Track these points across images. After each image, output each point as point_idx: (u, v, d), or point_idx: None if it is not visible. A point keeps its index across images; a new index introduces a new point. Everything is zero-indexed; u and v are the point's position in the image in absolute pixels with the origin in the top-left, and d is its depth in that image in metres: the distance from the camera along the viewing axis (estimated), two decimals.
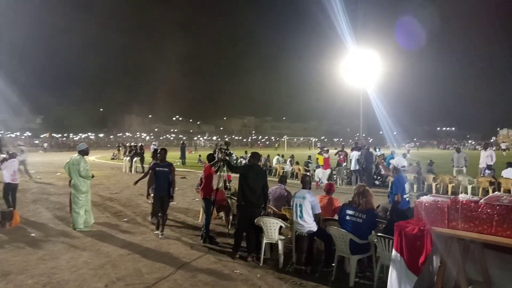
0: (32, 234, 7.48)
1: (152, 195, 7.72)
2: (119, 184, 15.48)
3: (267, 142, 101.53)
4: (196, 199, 11.44)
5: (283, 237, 5.96)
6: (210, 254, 6.33)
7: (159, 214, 7.45)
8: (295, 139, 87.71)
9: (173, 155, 31.44)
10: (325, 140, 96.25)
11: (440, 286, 3.67)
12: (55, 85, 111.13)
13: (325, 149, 16.49)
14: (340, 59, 30.07)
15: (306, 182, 5.94)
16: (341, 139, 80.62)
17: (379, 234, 4.93)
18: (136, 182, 8.65)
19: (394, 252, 4.19)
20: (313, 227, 5.63)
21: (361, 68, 27.60)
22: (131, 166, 21.09)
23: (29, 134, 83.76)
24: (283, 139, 78.05)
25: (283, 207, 6.88)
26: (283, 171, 18.46)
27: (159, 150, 8.16)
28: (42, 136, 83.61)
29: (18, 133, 77.83)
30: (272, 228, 5.85)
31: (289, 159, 19.91)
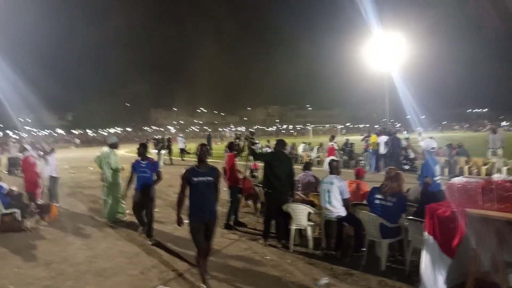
0: (70, 226, 7.78)
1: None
2: None
3: (292, 131, 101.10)
4: (224, 189, 11.55)
5: (312, 223, 5.97)
6: (240, 242, 6.43)
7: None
8: (320, 127, 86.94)
9: None
10: (350, 126, 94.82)
11: (475, 268, 3.60)
12: (85, 83, 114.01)
13: (331, 137, 16.30)
14: (364, 43, 29.43)
15: (334, 168, 5.90)
16: (367, 125, 79.22)
17: (410, 217, 4.86)
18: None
19: (426, 235, 4.12)
20: (342, 212, 5.60)
21: (386, 51, 26.94)
22: (159, 159, 21.49)
23: (61, 131, 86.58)
24: (308, 127, 77.46)
25: (311, 193, 6.87)
26: (309, 159, 18.37)
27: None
28: (73, 132, 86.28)
29: (48, 131, 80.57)
30: (300, 214, 5.86)
31: (316, 147, 19.78)
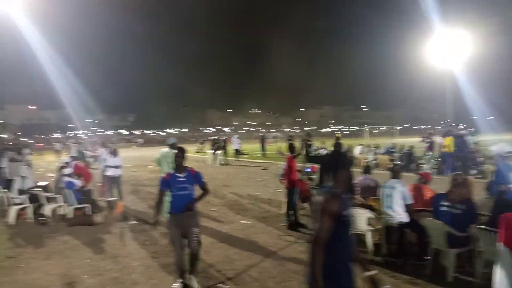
0: (133, 222, 8.21)
1: None
2: (205, 176, 16.11)
3: (347, 132, 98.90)
4: (279, 190, 11.60)
5: (371, 228, 5.79)
6: (297, 244, 6.39)
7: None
8: (376, 129, 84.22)
9: (253, 147, 32.21)
10: (409, 127, 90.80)
11: None
12: (145, 85, 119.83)
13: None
14: (424, 39, 27.97)
15: (396, 172, 5.68)
16: (428, 126, 75.34)
17: (482, 226, 4.54)
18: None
19: (500, 246, 3.83)
20: (404, 218, 5.37)
21: (448, 48, 25.41)
22: (215, 159, 22.04)
23: (124, 131, 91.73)
24: (363, 128, 75.33)
25: (370, 198, 6.67)
26: (367, 161, 17.85)
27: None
28: (134, 132, 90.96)
29: (111, 131, 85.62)
30: (359, 219, 5.71)
31: (373, 149, 19.19)
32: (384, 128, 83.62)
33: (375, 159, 17.88)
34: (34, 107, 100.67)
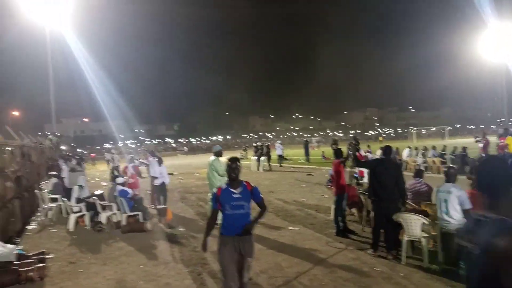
0: (182, 229, 8.41)
1: None
2: (250, 182, 16.36)
3: (393, 134, 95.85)
4: (325, 196, 11.44)
5: (426, 234, 5.55)
6: (347, 251, 6.26)
7: None
8: (424, 130, 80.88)
9: (297, 153, 32.05)
10: (459, 128, 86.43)
11: None
12: (188, 94, 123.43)
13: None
14: (476, 34, 26.60)
15: (451, 175, 5.42)
16: (481, 126, 71.21)
17: None
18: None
19: None
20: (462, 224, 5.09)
21: (502, 43, 24.00)
22: (258, 165, 22.14)
23: (170, 140, 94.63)
24: (411, 130, 72.66)
25: (423, 203, 6.40)
26: (415, 164, 17.18)
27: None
28: (179, 140, 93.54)
29: (157, 140, 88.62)
30: (413, 225, 5.49)
31: (421, 151, 18.44)
32: (433, 129, 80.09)
33: (424, 162, 17.18)
34: (87, 120, 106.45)
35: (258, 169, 21.84)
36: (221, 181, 8.62)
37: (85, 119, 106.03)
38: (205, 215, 9.46)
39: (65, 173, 11.71)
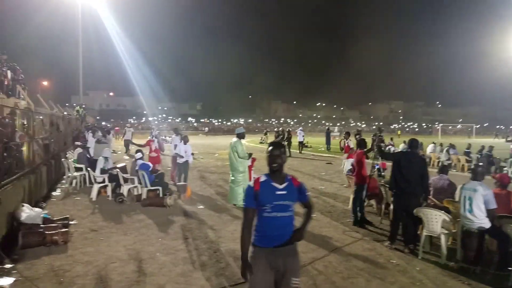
0: (201, 206, 8.55)
1: None
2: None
3: (417, 129, 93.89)
4: (344, 185, 11.38)
5: (446, 231, 5.47)
6: (363, 241, 6.25)
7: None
8: (450, 126, 78.82)
9: (318, 141, 31.85)
10: (488, 127, 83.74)
11: None
12: (212, 75, 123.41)
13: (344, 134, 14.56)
14: (510, 32, 25.48)
15: (479, 173, 5.28)
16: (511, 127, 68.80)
17: None
18: None
19: None
20: (485, 223, 5.00)
21: None
22: None
23: (192, 119, 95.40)
24: (436, 126, 71.00)
25: (445, 199, 6.29)
26: (439, 161, 16.85)
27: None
28: (201, 121, 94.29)
29: (180, 119, 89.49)
30: (433, 220, 5.42)
31: (446, 148, 18.01)
32: (459, 126, 77.98)
33: (448, 159, 16.79)
34: (112, 94, 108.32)
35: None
36: (242, 163, 8.70)
37: (110, 93, 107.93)
38: (224, 195, 9.58)
39: (90, 143, 12.02)
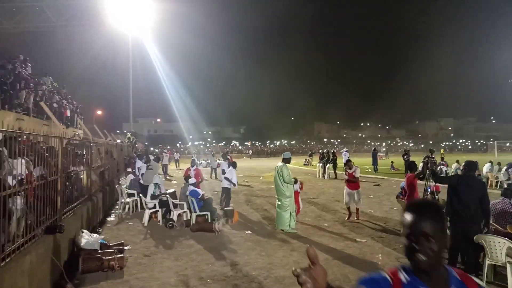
0: (248, 232, 8.57)
1: None
2: (314, 190, 16.18)
3: (470, 147, 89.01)
4: (395, 208, 10.98)
5: None
6: None
7: None
8: (507, 143, 74.00)
9: (364, 162, 31.08)
10: None
11: None
12: (255, 98, 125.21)
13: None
14: None
15: None
16: None
17: None
18: None
19: None
20: None
21: None
22: (324, 172, 21.81)
23: (236, 142, 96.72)
24: (491, 143, 66.96)
25: (508, 225, 5.88)
26: (497, 181, 15.83)
27: None
28: (245, 143, 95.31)
29: (224, 142, 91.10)
30: (497, 248, 5.08)
31: (505, 167, 16.88)
32: None
33: (508, 179, 15.71)
34: (159, 120, 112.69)
35: (324, 177, 21.52)
36: (288, 188, 8.67)
37: (158, 120, 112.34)
38: (271, 219, 9.56)
39: (141, 170, 12.53)
